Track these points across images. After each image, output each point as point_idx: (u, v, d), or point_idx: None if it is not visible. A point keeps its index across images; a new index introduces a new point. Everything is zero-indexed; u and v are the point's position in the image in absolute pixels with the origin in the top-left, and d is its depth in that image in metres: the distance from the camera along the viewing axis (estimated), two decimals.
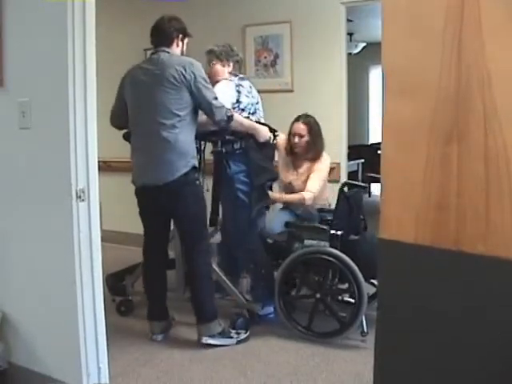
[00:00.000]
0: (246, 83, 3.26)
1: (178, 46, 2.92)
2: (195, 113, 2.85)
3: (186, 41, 2.96)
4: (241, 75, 3.32)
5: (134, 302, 3.38)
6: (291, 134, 3.48)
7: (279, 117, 4.01)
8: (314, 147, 3.45)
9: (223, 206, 3.25)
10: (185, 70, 2.74)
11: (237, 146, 3.13)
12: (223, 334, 2.91)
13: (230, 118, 2.89)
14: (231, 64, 3.28)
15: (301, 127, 3.45)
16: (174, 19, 2.92)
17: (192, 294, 2.97)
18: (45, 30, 2.22)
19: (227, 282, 3.16)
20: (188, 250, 2.95)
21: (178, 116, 2.75)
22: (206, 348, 2.87)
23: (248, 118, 3.17)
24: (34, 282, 2.39)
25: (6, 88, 2.35)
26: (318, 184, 3.40)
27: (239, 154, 3.15)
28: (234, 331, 2.97)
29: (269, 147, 3.26)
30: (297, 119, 3.49)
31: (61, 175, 2.21)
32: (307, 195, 3.37)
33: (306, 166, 3.48)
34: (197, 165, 2.86)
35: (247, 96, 3.21)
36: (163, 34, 2.88)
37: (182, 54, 2.95)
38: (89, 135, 2.23)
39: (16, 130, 2.32)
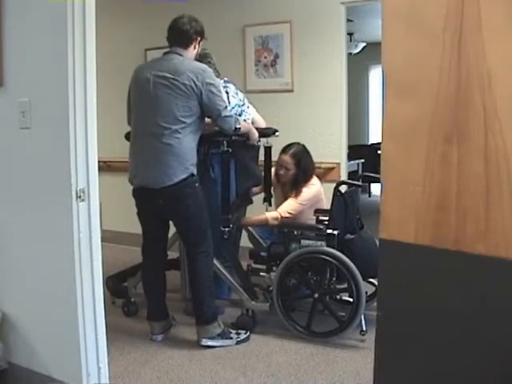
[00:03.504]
0: (231, 85, 3.27)
1: (194, 48, 2.86)
2: (201, 121, 2.81)
3: (201, 43, 2.91)
4: (225, 78, 3.30)
5: (137, 304, 3.36)
6: (278, 165, 3.39)
7: (279, 117, 4.03)
8: (299, 181, 3.35)
9: None
10: (197, 78, 2.69)
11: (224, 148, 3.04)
12: (223, 335, 2.91)
13: (238, 129, 2.87)
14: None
15: (288, 160, 3.34)
16: (195, 20, 2.85)
17: (192, 295, 2.97)
18: (45, 29, 2.21)
19: (232, 280, 3.14)
20: (189, 251, 2.94)
21: (184, 123, 2.71)
22: (205, 348, 2.87)
23: None
24: (33, 282, 2.38)
25: (6, 88, 2.34)
26: (291, 207, 3.29)
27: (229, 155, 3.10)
28: (234, 331, 2.97)
29: (255, 149, 3.25)
30: (284, 150, 3.38)
31: (61, 175, 2.21)
32: (271, 215, 3.29)
33: (293, 191, 3.39)
34: (195, 173, 2.80)
35: (234, 97, 3.21)
36: (183, 34, 2.81)
37: (196, 56, 2.90)
38: (89, 135, 2.22)
39: (16, 129, 2.32)
